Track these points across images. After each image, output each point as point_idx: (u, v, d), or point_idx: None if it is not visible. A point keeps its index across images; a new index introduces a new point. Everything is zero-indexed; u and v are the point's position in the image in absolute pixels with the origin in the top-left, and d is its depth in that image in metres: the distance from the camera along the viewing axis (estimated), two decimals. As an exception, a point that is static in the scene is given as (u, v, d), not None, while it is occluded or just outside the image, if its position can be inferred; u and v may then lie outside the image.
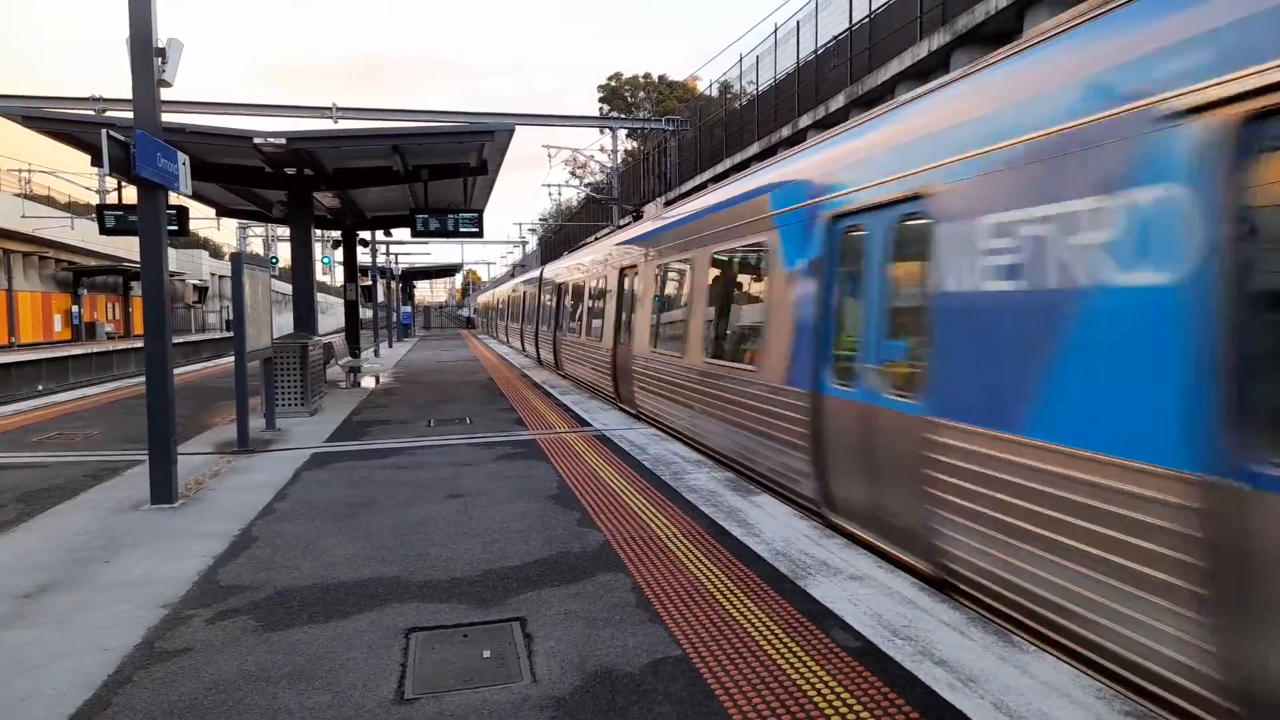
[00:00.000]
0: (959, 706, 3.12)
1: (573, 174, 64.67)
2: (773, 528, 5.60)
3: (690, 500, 6.42)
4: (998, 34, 14.79)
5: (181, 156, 6.98)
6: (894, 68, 18.01)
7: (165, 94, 6.82)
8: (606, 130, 37.90)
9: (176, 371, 11.44)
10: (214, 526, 5.90)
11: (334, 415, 11.79)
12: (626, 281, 13.00)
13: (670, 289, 10.73)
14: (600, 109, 61.37)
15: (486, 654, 3.70)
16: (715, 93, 34.88)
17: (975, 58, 11.66)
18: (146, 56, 6.51)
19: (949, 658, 3.54)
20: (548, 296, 22.34)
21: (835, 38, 21.66)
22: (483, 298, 63.02)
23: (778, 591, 4.40)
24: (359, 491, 6.92)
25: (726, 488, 6.83)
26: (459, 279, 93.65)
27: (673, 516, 5.96)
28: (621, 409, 12.38)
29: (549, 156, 44.71)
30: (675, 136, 31.85)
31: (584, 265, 17.41)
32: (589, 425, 10.45)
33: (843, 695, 3.25)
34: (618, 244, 14.31)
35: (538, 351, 23.81)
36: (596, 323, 15.13)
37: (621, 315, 13.11)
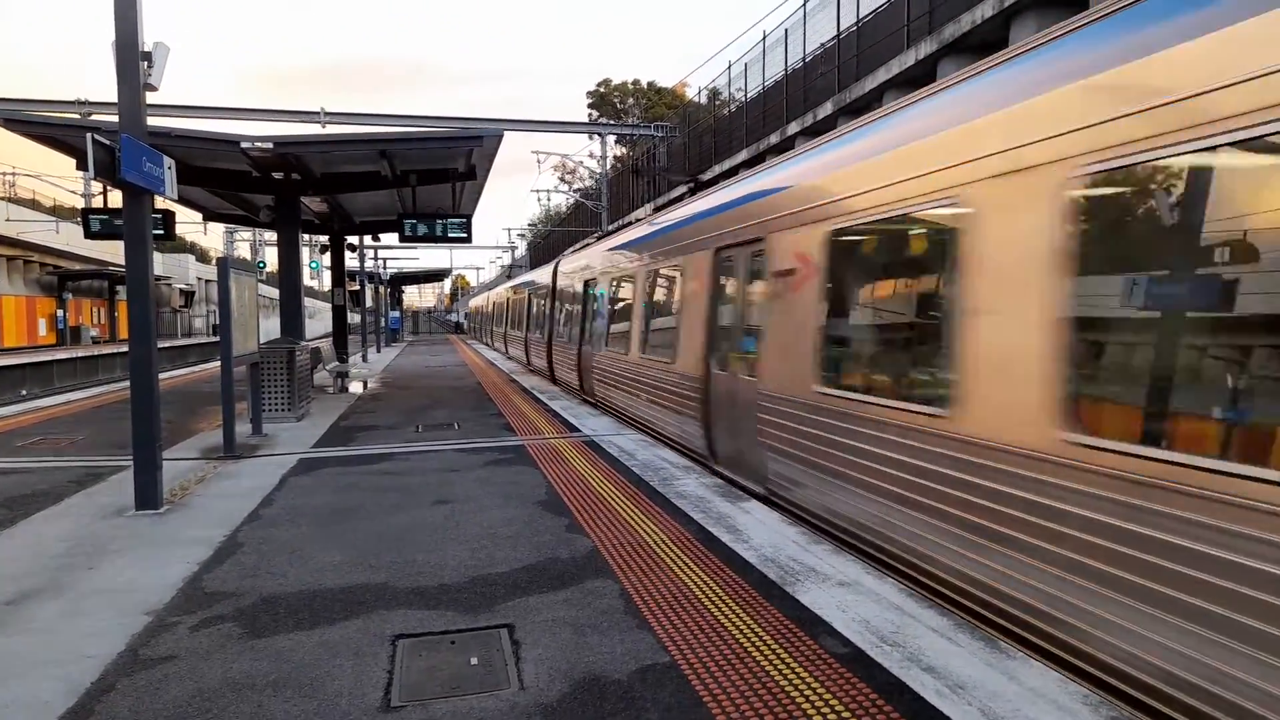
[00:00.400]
0: (947, 713, 3.13)
1: (562, 179, 64.75)
2: (762, 534, 5.60)
3: (679, 506, 6.41)
4: (984, 44, 14.93)
5: (167, 161, 6.94)
6: (881, 75, 18.15)
7: (151, 98, 6.79)
8: (596, 136, 38.00)
9: (162, 376, 11.38)
10: (199, 533, 5.85)
11: (321, 420, 11.73)
12: (737, 270, 7.93)
13: (886, 282, 5.73)
14: (589, 115, 61.49)
15: (474, 661, 3.68)
16: (704, 99, 35.02)
17: (962, 66, 11.73)
18: (132, 60, 6.47)
19: (937, 664, 3.54)
20: (567, 299, 17.57)
21: (823, 45, 21.80)
22: (474, 301, 61.60)
23: (766, 598, 4.40)
24: (346, 497, 6.88)
25: (715, 494, 6.83)
26: (448, 284, 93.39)
27: (662, 522, 5.95)
28: (720, 474, 7.97)
29: (538, 162, 44.84)
30: (664, 143, 31.94)
31: (635, 253, 12.17)
32: (577, 430, 10.44)
33: (831, 703, 3.25)
34: (711, 211, 8.92)
35: (551, 368, 19.33)
36: (664, 335, 10.09)
37: (720, 326, 8.31)
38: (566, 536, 5.63)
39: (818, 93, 21.53)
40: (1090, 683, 3.44)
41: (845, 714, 3.15)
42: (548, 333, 19.76)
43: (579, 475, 7.67)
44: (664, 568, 4.94)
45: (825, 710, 3.18)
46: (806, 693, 3.32)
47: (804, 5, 22.68)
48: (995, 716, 3.08)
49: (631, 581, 4.69)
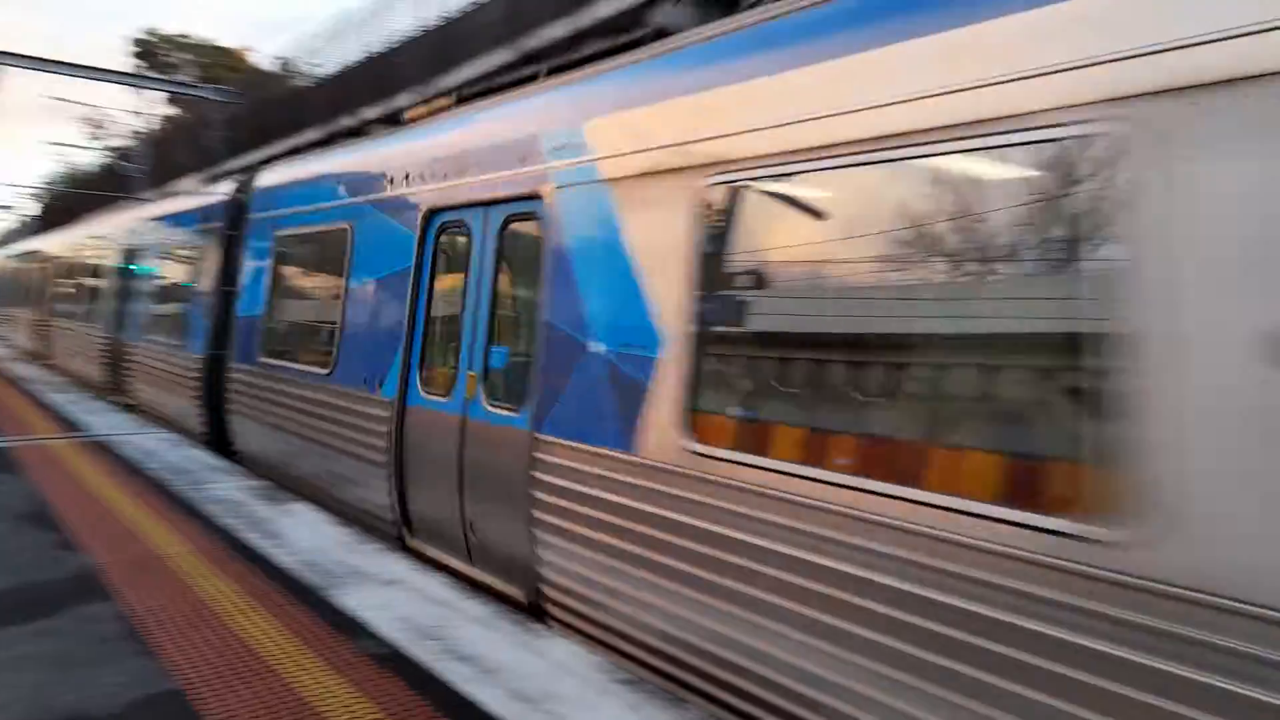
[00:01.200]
0: (476, 697, 3.19)
1: (90, 135, 54.66)
2: (304, 537, 5.22)
3: (210, 512, 5.70)
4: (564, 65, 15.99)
5: None
6: (466, 72, 18.54)
7: None
8: (137, 91, 32.67)
9: None
10: None
11: None
12: None
13: None
14: (135, 66, 52.77)
15: (-113, 726, 2.84)
16: (276, 69, 32.26)
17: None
18: None
19: (474, 652, 3.60)
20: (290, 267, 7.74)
21: (407, 34, 21.51)
22: None
23: (305, 605, 4.09)
24: None
25: (254, 496, 6.21)
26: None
27: (185, 532, 5.23)
28: None
29: (59, 111, 37.24)
30: (224, 109, 28.66)
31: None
32: (84, 430, 8.78)
33: (363, 705, 3.10)
34: None
35: (223, 426, 8.25)
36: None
37: None
38: (55, 555, 4.66)
39: (398, 81, 21.14)
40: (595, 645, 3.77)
41: (377, 715, 3.04)
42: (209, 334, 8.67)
43: (81, 482, 6.43)
44: (182, 584, 4.33)
45: (353, 715, 3.03)
46: (331, 702, 3.13)
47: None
48: (522, 694, 3.22)
49: (139, 603, 4.03)
